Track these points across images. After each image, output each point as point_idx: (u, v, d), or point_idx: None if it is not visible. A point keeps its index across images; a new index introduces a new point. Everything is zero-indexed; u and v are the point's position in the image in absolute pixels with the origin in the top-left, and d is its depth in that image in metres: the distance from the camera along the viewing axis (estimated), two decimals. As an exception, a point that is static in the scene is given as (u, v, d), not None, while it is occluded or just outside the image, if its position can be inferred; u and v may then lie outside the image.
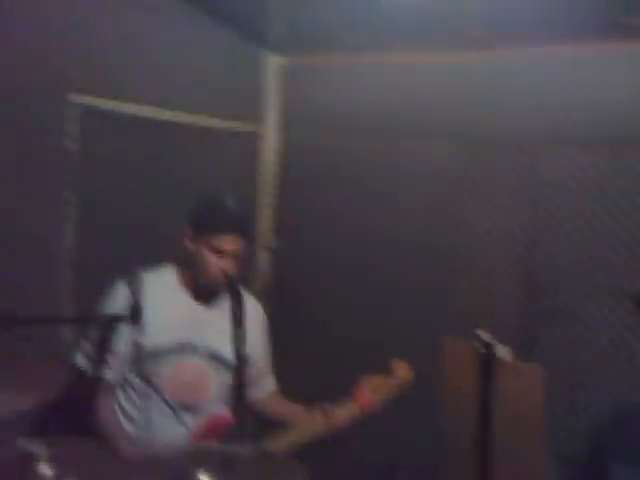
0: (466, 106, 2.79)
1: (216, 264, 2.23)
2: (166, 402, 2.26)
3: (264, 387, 2.51)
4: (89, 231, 2.70)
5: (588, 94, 2.63)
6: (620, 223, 2.63)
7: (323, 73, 3.32)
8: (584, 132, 2.65)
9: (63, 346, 2.41)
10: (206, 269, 2.24)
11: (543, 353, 2.70)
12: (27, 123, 2.48)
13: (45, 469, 1.74)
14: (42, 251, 2.57)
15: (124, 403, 2.32)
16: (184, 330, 2.25)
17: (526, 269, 2.63)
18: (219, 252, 2.23)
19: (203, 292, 2.34)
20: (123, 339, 2.15)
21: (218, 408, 2.36)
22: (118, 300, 2.15)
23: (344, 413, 2.29)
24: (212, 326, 2.32)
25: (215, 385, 2.34)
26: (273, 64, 3.46)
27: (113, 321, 1.99)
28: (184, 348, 2.28)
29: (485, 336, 2.42)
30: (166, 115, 2.97)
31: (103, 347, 2.21)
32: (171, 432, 2.23)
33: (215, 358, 2.33)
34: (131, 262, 2.38)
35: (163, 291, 2.28)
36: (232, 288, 2.26)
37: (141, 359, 2.23)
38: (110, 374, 2.24)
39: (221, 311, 2.33)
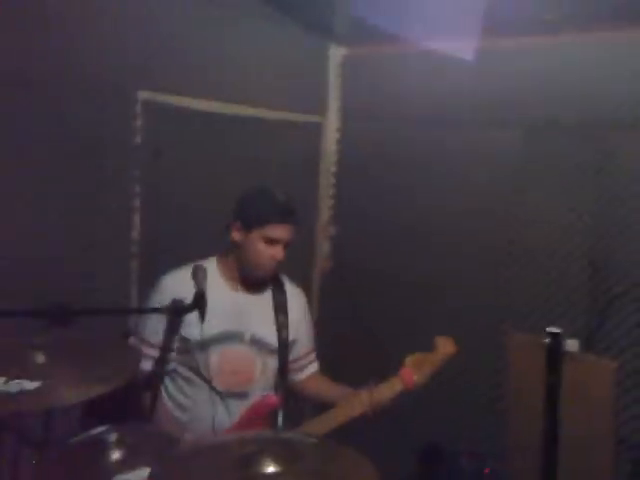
0: (530, 92, 2.72)
1: (269, 254, 2.29)
2: (214, 389, 2.31)
3: (308, 369, 2.55)
4: (154, 223, 2.76)
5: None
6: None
7: (383, 63, 3.29)
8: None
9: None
10: (260, 259, 2.30)
11: (610, 345, 2.62)
12: (97, 118, 2.54)
13: (114, 454, 1.80)
14: (112, 242, 2.65)
15: (173, 393, 2.37)
16: (228, 319, 2.29)
17: (592, 259, 2.54)
18: (272, 242, 2.28)
19: (250, 281, 2.38)
20: (172, 331, 2.21)
21: (264, 393, 2.41)
22: (180, 291, 2.18)
23: (387, 391, 2.30)
24: (255, 313, 2.38)
25: (260, 370, 2.38)
26: (335, 55, 3.45)
27: (180, 311, 2.03)
28: (229, 336, 2.32)
29: (553, 329, 2.36)
30: (230, 109, 2.99)
31: (170, 336, 2.29)
32: (220, 419, 2.27)
33: (259, 344, 2.37)
34: (194, 253, 2.43)
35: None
36: (274, 276, 2.39)
37: (188, 349, 2.30)
38: (159, 365, 2.29)
39: (263, 298, 2.40)
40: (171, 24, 2.77)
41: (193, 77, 2.86)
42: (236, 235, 2.33)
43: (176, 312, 2.05)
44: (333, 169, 3.44)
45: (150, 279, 2.41)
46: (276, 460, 1.57)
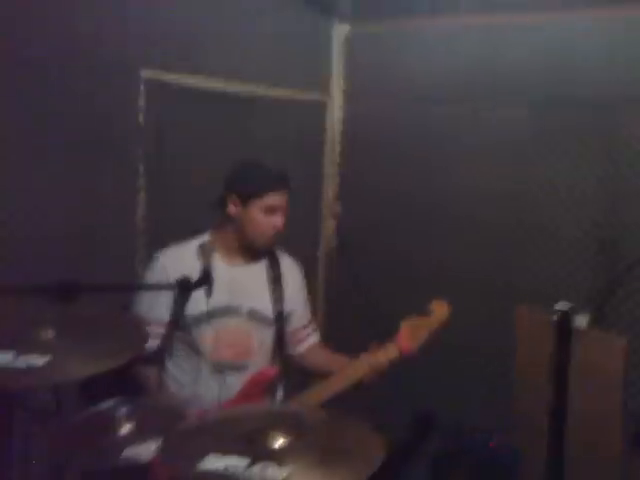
0: (543, 67, 2.69)
1: (270, 223, 2.31)
2: (212, 364, 2.32)
3: (307, 341, 2.57)
4: (159, 200, 2.76)
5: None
6: None
7: (388, 40, 3.26)
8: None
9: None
10: (261, 230, 2.31)
11: (619, 319, 2.62)
12: (101, 98, 2.53)
13: (123, 428, 1.81)
14: (118, 220, 2.66)
15: (172, 369, 2.38)
16: (225, 293, 2.29)
17: (605, 233, 2.53)
18: (272, 211, 2.30)
19: (249, 254, 2.39)
20: (168, 307, 2.20)
21: (262, 365, 2.42)
22: (176, 269, 2.17)
23: (384, 356, 2.32)
24: (251, 287, 2.39)
25: (257, 343, 2.40)
26: (339, 33, 3.42)
27: (186, 287, 2.03)
28: (225, 310, 2.33)
29: (562, 305, 2.36)
30: (233, 86, 2.98)
31: (177, 313, 2.29)
32: (219, 393, 2.28)
33: (256, 317, 2.38)
34: (198, 229, 2.43)
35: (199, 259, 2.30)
36: (269, 249, 2.41)
37: (185, 325, 2.30)
38: (156, 341, 2.29)
39: (258, 272, 2.42)
40: (173, 1, 2.74)
41: (195, 55, 2.85)
42: (232, 209, 2.32)
43: (184, 288, 2.06)
44: (338, 147, 3.42)
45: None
46: (283, 434, 1.57)
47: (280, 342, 2.48)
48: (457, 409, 2.80)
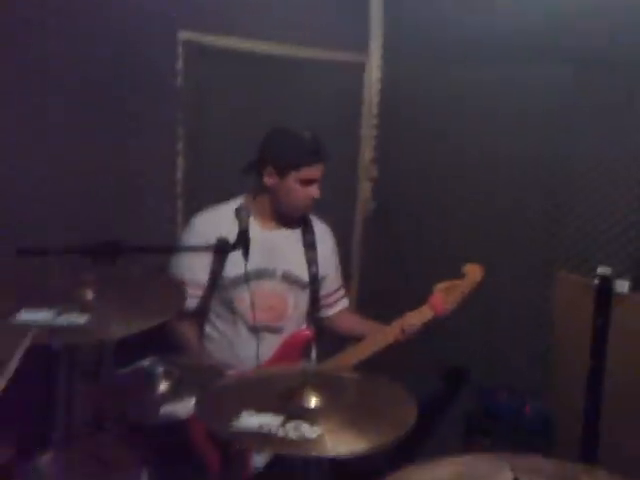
0: (577, 28, 2.59)
1: (307, 194, 2.33)
2: (248, 325, 2.35)
3: (338, 305, 2.60)
4: (198, 164, 2.78)
5: None
6: None
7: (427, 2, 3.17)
8: None
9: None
10: (298, 201, 2.35)
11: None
12: (139, 61, 2.53)
13: (162, 385, 1.85)
14: (157, 183, 2.68)
15: (208, 330, 2.43)
16: (260, 257, 2.30)
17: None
18: (309, 182, 2.32)
19: (285, 220, 2.42)
20: (205, 270, 2.31)
21: (297, 327, 2.46)
22: (213, 231, 2.19)
23: (417, 318, 2.34)
24: (285, 250, 2.42)
25: (293, 305, 2.43)
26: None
27: (224, 249, 2.06)
28: (262, 273, 2.36)
29: (603, 269, 2.33)
30: (270, 48, 2.95)
31: (215, 274, 2.33)
32: (255, 354, 2.29)
33: (290, 279, 2.41)
34: (237, 194, 2.45)
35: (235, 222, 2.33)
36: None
37: (222, 287, 2.35)
38: (194, 303, 2.34)
39: (293, 236, 2.45)
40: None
41: (233, 17, 2.81)
42: (269, 180, 2.34)
43: (222, 250, 2.10)
44: (375, 109, 3.37)
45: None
46: (317, 394, 1.60)
47: (314, 305, 2.52)
48: (493, 372, 2.79)
